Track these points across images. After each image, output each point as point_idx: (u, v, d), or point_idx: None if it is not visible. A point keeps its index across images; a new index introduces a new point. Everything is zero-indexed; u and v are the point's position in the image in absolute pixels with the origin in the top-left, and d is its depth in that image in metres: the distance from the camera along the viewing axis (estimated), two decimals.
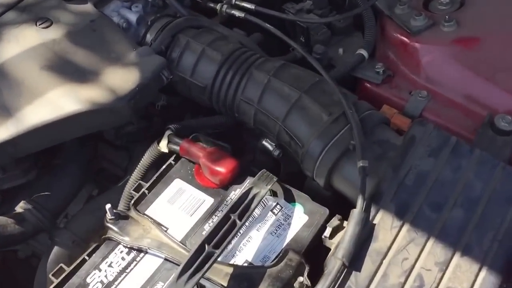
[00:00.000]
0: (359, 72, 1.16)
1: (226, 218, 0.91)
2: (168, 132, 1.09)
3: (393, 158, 0.94)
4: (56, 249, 1.13)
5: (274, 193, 1.01)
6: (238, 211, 0.92)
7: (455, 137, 0.96)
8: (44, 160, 1.21)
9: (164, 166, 1.07)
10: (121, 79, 1.09)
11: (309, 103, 1.02)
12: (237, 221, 0.91)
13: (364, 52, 1.15)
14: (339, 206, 0.96)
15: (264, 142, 1.13)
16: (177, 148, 1.07)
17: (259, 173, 1.00)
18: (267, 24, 1.14)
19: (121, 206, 1.11)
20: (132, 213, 0.99)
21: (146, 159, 1.11)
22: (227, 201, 1.00)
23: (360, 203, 0.88)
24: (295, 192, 1.01)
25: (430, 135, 0.96)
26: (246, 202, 0.94)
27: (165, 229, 0.97)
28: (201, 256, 0.84)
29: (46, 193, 1.16)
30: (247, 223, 0.96)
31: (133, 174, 1.13)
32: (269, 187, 0.98)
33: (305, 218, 0.98)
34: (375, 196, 0.90)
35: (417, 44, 1.14)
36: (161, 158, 1.10)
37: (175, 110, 1.27)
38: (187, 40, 1.15)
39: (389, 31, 1.19)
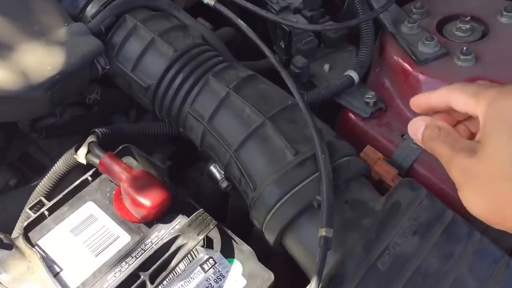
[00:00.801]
0: (344, 99, 0.94)
1: (133, 277, 0.69)
2: (90, 139, 0.86)
3: (368, 229, 0.73)
4: None
5: (209, 241, 0.79)
6: (151, 270, 0.70)
7: (452, 212, 0.74)
8: None
9: (77, 182, 0.84)
10: (40, 61, 0.85)
11: (272, 133, 0.80)
12: (148, 284, 0.69)
13: (354, 75, 0.92)
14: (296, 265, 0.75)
15: (212, 168, 0.90)
16: (96, 161, 0.84)
17: (194, 214, 0.78)
18: (239, 19, 0.91)
19: (17, 227, 0.88)
20: (20, 241, 0.77)
21: (59, 167, 0.88)
22: (146, 244, 0.78)
23: (314, 285, 0.66)
24: (238, 243, 0.79)
25: (420, 204, 0.74)
26: (165, 257, 0.72)
27: (57, 271, 0.75)
28: None
29: None
30: (164, 282, 0.73)
31: (40, 183, 0.90)
32: (201, 237, 0.76)
33: (242, 283, 0.76)
34: (335, 278, 0.69)
35: (422, 76, 0.92)
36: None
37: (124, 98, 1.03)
38: (134, 23, 0.91)
39: (389, 53, 0.97)
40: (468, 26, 0.95)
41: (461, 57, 0.89)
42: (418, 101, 0.70)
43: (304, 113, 0.80)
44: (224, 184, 0.88)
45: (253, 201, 0.79)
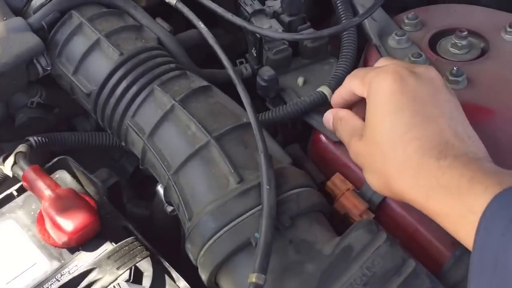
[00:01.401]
0: (315, 119, 0.83)
1: None
2: (19, 148, 0.78)
3: (311, 275, 0.62)
4: None
5: (138, 274, 0.69)
6: None
7: (414, 262, 0.64)
8: None
9: (1, 195, 0.76)
10: None
11: (217, 156, 0.70)
12: None
13: (327, 91, 0.82)
14: None
15: (159, 188, 0.81)
16: (21, 174, 0.75)
17: (119, 244, 0.69)
18: (200, 22, 0.81)
19: None
20: None
21: None
22: (62, 274, 0.69)
23: None
24: (175, 278, 0.70)
25: (376, 250, 0.64)
26: None
27: None
28: None
29: None
30: None
31: None
32: (122, 271, 0.67)
33: None
34: None
35: None
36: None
37: None
38: (80, 21, 0.82)
39: None
40: (464, 42, 0.84)
41: (450, 78, 0.78)
42: (334, 98, 0.76)
43: (255, 134, 0.70)
44: (169, 209, 0.79)
45: (187, 232, 0.69)
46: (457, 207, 0.56)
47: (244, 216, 0.65)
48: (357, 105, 0.74)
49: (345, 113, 0.73)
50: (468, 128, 0.64)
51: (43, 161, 0.81)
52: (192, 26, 0.82)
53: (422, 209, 0.62)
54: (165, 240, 0.85)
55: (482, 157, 0.61)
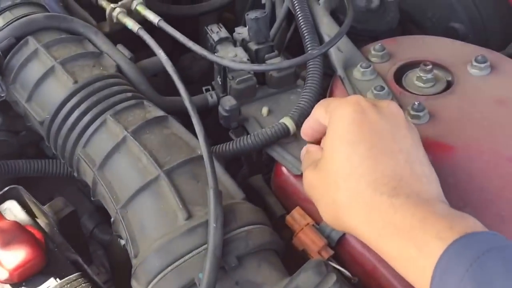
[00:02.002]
0: (277, 151, 0.82)
1: None
2: None
3: None
4: None
5: None
6: None
7: None
8: None
9: None
10: None
11: (167, 190, 0.68)
12: None
13: (289, 123, 0.80)
14: None
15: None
16: None
17: (60, 282, 0.67)
18: (160, 50, 0.80)
19: None
20: None
21: None
22: None
23: None
24: None
25: None
26: None
27: None
28: None
29: None
30: None
31: None
32: None
33: None
34: None
35: None
36: None
37: None
38: (36, 47, 0.81)
39: None
40: (429, 75, 0.82)
41: (412, 113, 0.77)
42: (303, 128, 0.74)
43: (206, 169, 0.68)
44: (122, 242, 0.77)
45: (134, 269, 0.67)
46: (407, 248, 0.55)
47: (190, 255, 0.64)
48: None
49: (314, 148, 0.72)
50: (425, 167, 0.63)
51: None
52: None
53: (371, 245, 0.60)
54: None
55: (435, 198, 0.59)
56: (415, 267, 0.54)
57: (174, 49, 1.04)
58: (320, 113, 0.68)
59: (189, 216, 0.66)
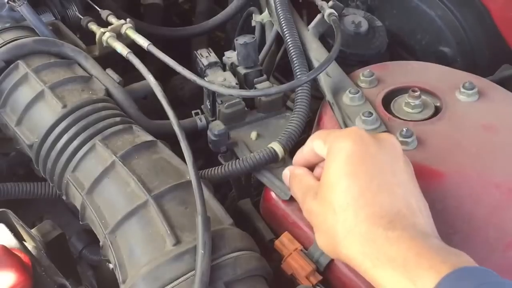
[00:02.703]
0: (266, 176, 0.83)
1: None
2: None
3: None
4: None
5: None
6: None
7: None
8: None
9: None
10: None
11: (155, 216, 0.69)
12: None
13: (277, 148, 0.81)
14: None
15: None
16: None
17: None
18: (150, 75, 0.80)
19: None
20: None
21: None
22: None
23: None
24: None
25: None
26: None
27: None
28: None
29: None
30: None
31: None
32: None
33: None
34: None
35: None
36: None
37: None
38: (26, 72, 0.81)
39: (325, 125, 0.85)
40: (417, 101, 0.83)
41: (400, 139, 0.77)
42: (296, 158, 0.76)
43: (195, 194, 0.68)
44: (110, 266, 0.77)
45: None
46: (401, 280, 0.56)
47: (177, 281, 0.64)
48: (320, 165, 0.74)
49: (301, 171, 0.73)
50: (420, 201, 0.64)
51: None
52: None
53: (366, 276, 0.61)
54: None
55: (430, 232, 0.61)
56: None
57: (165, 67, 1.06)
58: (318, 144, 0.69)
59: (177, 241, 0.66)
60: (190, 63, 1.17)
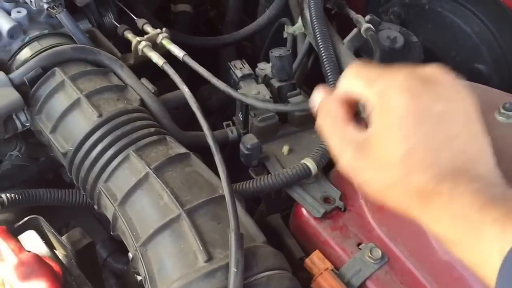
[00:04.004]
0: (297, 192, 0.82)
1: None
2: None
3: None
4: None
5: None
6: None
7: None
8: None
9: None
10: None
11: (188, 230, 0.68)
12: None
13: (311, 164, 0.80)
14: None
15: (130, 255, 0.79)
16: None
17: None
18: (185, 86, 0.80)
19: None
20: None
21: None
22: None
23: None
24: None
25: None
26: None
27: None
28: None
29: None
30: None
31: None
32: None
33: None
34: None
35: None
36: None
37: None
38: (62, 79, 0.81)
39: None
40: None
41: None
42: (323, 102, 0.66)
43: (228, 211, 0.68)
44: (139, 278, 0.77)
45: None
46: (464, 234, 0.54)
47: None
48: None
49: (334, 108, 0.64)
50: (479, 141, 0.60)
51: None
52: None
53: (424, 225, 0.58)
54: None
55: (493, 181, 0.57)
56: (474, 253, 0.54)
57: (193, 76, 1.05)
58: (358, 87, 0.62)
59: (209, 258, 0.66)
60: (216, 69, 1.17)
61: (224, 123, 0.92)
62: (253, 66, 1.02)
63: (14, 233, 0.76)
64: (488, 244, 0.51)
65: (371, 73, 0.62)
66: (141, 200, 0.72)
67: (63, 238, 0.82)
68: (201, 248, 0.66)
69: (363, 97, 0.61)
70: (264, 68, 0.96)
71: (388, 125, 0.59)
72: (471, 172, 0.58)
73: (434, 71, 0.62)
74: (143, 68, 0.93)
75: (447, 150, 0.58)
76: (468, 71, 1.16)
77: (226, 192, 0.69)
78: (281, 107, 0.78)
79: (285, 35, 1.11)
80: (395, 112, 0.58)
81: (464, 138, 0.60)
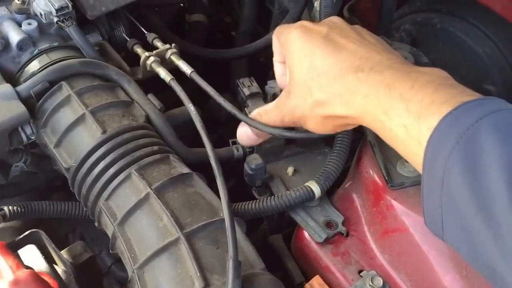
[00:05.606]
0: (300, 215, 0.78)
1: None
2: None
3: None
4: None
5: None
6: None
7: None
8: None
9: None
10: None
11: (186, 255, 0.65)
12: None
13: (315, 187, 0.76)
14: None
15: None
16: None
17: None
18: (191, 104, 0.77)
19: None
20: None
21: None
22: None
23: None
24: None
25: None
26: None
27: None
28: None
29: None
30: None
31: None
32: None
33: None
34: None
35: (394, 203, 0.75)
36: None
37: None
38: (68, 93, 0.78)
39: (364, 166, 0.80)
40: None
41: None
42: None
43: (228, 237, 0.64)
44: None
45: None
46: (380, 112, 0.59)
47: None
48: None
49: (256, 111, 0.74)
50: (371, 38, 0.67)
51: None
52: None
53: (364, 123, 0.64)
54: None
55: (397, 61, 0.62)
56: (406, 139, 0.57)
57: None
58: (277, 48, 0.72)
59: (206, 285, 0.62)
60: (228, 77, 1.14)
61: (230, 141, 0.89)
62: (266, 73, 0.99)
63: (14, 247, 0.73)
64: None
65: (278, 33, 0.71)
66: (140, 220, 0.69)
67: (64, 251, 0.79)
68: (198, 274, 0.63)
69: (280, 52, 0.71)
70: (274, 86, 0.92)
71: (294, 54, 0.67)
72: (374, 59, 0.62)
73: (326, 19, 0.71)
74: (153, 80, 0.90)
75: (344, 50, 0.63)
76: (477, 92, 1.12)
77: (226, 217, 0.65)
78: (287, 133, 0.73)
79: None
80: (294, 41, 0.67)
81: (361, 42, 0.65)
